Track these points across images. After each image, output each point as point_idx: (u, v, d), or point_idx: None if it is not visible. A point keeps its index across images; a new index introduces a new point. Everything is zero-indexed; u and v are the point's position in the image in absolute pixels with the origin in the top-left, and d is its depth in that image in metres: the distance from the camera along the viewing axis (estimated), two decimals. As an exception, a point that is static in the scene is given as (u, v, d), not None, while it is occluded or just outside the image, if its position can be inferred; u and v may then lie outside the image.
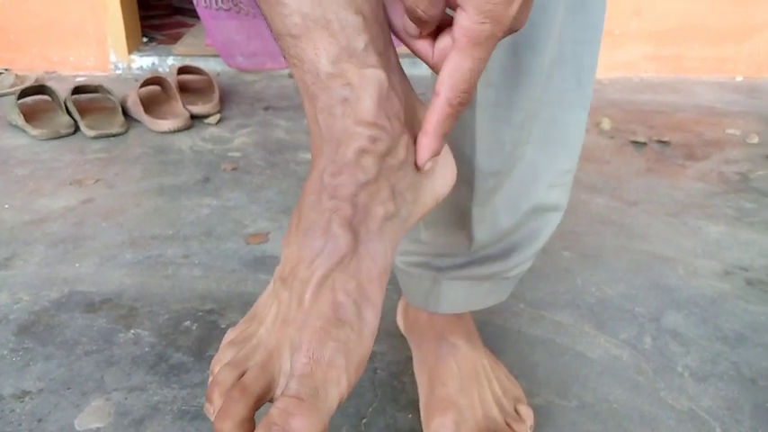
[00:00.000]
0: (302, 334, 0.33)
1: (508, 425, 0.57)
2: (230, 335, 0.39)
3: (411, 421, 0.61)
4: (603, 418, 0.62)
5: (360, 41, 0.34)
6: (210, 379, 0.36)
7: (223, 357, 0.37)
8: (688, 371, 0.68)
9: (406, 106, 0.37)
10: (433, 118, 0.35)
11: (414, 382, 0.63)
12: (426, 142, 0.36)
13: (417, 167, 0.37)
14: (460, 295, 0.60)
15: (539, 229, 0.56)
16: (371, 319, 0.34)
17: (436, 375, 0.59)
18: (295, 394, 0.31)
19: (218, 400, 0.33)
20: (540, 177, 0.53)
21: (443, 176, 0.40)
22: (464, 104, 0.35)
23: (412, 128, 0.37)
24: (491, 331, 0.73)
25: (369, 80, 0.34)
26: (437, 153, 0.36)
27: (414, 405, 0.62)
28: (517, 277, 0.61)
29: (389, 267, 0.36)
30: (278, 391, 0.33)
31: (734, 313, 0.78)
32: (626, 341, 0.73)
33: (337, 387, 0.32)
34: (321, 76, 0.34)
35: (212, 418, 0.33)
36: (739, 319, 0.77)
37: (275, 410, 0.31)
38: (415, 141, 0.37)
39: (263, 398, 0.33)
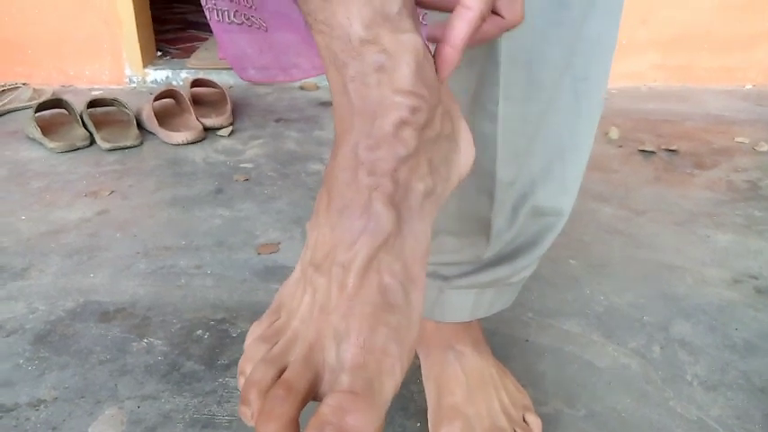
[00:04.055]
0: (349, 321, 0.30)
1: (516, 434, 0.58)
2: (256, 330, 0.35)
3: (419, 430, 0.61)
4: (612, 428, 0.62)
5: (394, 4, 0.31)
6: (242, 380, 0.33)
7: (254, 354, 0.33)
8: (697, 380, 0.68)
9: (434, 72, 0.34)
10: (463, 32, 0.33)
11: (422, 391, 0.64)
12: (454, 56, 0.33)
13: (440, 79, 0.34)
14: (466, 303, 0.61)
15: (541, 234, 0.56)
16: (418, 302, 0.32)
17: (444, 384, 0.60)
18: (348, 388, 0.29)
19: (256, 401, 0.30)
20: (541, 182, 0.53)
21: (466, 154, 0.38)
22: (486, 16, 0.33)
23: (440, 97, 0.35)
24: (499, 340, 0.74)
25: (405, 46, 0.31)
26: (457, 65, 0.34)
27: (422, 413, 0.62)
28: (520, 283, 0.61)
29: (429, 247, 0.34)
30: (324, 388, 0.31)
31: (743, 322, 0.78)
32: (634, 350, 0.73)
33: (392, 377, 0.30)
34: (353, 43, 0.31)
35: (251, 422, 0.30)
36: (748, 327, 0.77)
37: (327, 408, 0.28)
38: (446, 112, 0.35)
39: (309, 396, 0.30)
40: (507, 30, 0.36)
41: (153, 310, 0.79)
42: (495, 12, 0.35)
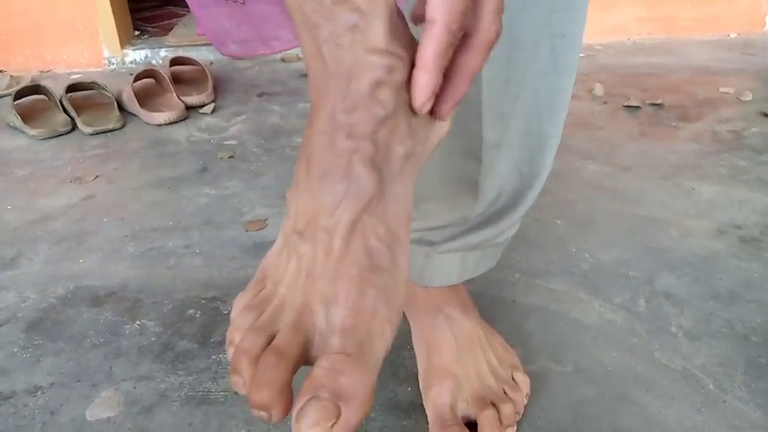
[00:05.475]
0: (337, 285, 0.31)
1: (505, 392, 0.59)
2: (241, 300, 0.35)
3: (410, 394, 0.62)
4: (598, 381, 0.63)
5: None
6: (231, 350, 0.32)
7: (242, 323, 0.33)
8: (682, 330, 0.70)
9: (410, 33, 0.34)
10: (432, 49, 0.31)
11: (412, 357, 0.65)
12: (426, 78, 0.32)
13: (413, 110, 0.33)
14: (453, 267, 0.61)
15: (523, 194, 0.57)
16: (404, 263, 0.33)
17: (433, 346, 0.61)
18: (340, 350, 0.29)
19: (248, 369, 0.30)
20: (522, 142, 0.54)
21: None
22: (462, 30, 0.31)
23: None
24: (486, 301, 0.74)
25: (377, 3, 0.31)
26: (437, 90, 0.33)
27: (413, 378, 0.63)
28: (504, 243, 0.62)
29: (412, 209, 0.34)
30: (315, 351, 0.31)
31: (727, 271, 0.79)
32: (620, 305, 0.74)
33: (383, 338, 0.30)
34: (325, 2, 0.30)
35: (243, 391, 0.30)
36: (732, 276, 0.78)
37: (320, 370, 0.28)
38: None
39: (300, 361, 0.30)
40: (490, 49, 0.33)
41: (144, 292, 0.79)
42: (467, 34, 0.33)
